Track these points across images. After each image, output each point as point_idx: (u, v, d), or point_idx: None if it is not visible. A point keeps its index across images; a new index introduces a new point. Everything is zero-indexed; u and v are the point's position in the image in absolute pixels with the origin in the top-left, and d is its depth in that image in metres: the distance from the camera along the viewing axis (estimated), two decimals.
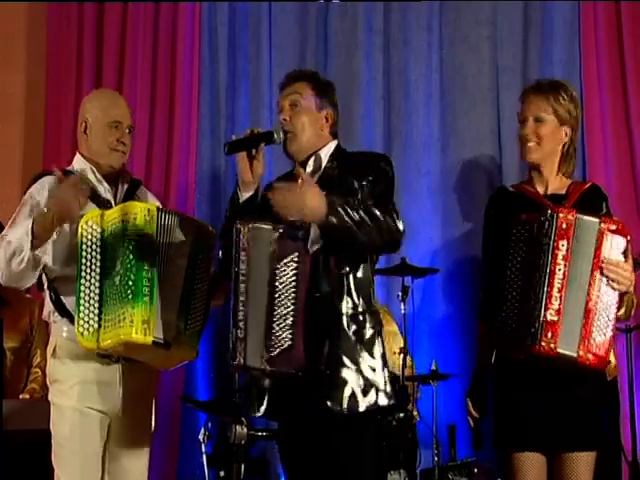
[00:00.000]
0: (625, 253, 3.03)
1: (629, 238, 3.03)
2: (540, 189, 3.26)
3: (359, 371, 3.07)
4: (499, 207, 3.24)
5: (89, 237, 3.13)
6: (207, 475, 4.45)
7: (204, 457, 4.46)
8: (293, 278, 2.98)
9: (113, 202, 3.33)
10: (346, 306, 3.09)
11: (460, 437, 4.71)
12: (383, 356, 3.13)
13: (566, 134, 3.22)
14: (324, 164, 3.20)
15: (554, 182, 3.24)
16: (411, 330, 4.67)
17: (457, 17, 5.07)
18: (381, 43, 5.07)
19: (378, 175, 3.16)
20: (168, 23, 5.09)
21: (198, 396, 4.92)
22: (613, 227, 3.03)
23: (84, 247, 3.13)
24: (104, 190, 3.35)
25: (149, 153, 5.08)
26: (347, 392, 3.05)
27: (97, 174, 3.35)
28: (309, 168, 3.21)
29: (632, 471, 4.28)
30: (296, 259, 2.97)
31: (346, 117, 4.66)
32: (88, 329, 3.09)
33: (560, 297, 2.98)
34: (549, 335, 2.97)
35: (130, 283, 3.09)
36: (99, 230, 3.14)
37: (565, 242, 3.01)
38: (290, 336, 2.96)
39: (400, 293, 4.67)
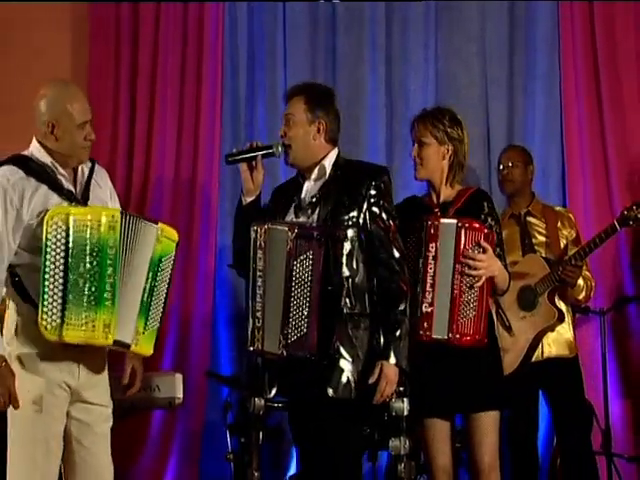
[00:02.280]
0: (479, 244, 3.46)
1: (486, 231, 3.47)
2: (435, 198, 3.69)
3: (354, 363, 3.31)
4: (404, 215, 3.59)
5: (54, 234, 3.08)
6: (229, 441, 4.64)
7: (226, 425, 4.66)
8: (309, 273, 3.21)
9: (74, 190, 3.27)
10: (346, 305, 3.33)
11: None
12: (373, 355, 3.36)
13: (447, 151, 3.64)
14: (328, 172, 3.45)
15: (445, 191, 3.69)
16: None
17: (450, 35, 5.30)
18: (384, 58, 5.30)
19: (380, 188, 3.41)
20: (194, 41, 5.25)
21: (222, 371, 5.13)
22: (467, 225, 3.46)
23: (49, 244, 3.07)
24: (65, 182, 3.27)
25: (178, 155, 5.23)
26: (344, 379, 3.29)
27: (59, 169, 3.26)
28: (313, 176, 3.47)
29: (605, 437, 4.72)
30: (311, 256, 3.22)
31: (353, 123, 5.04)
32: (51, 323, 3.07)
33: (432, 292, 3.47)
34: (425, 325, 3.49)
35: (93, 289, 3.08)
36: (64, 228, 3.08)
37: (434, 244, 3.49)
38: (306, 325, 3.20)
39: None
